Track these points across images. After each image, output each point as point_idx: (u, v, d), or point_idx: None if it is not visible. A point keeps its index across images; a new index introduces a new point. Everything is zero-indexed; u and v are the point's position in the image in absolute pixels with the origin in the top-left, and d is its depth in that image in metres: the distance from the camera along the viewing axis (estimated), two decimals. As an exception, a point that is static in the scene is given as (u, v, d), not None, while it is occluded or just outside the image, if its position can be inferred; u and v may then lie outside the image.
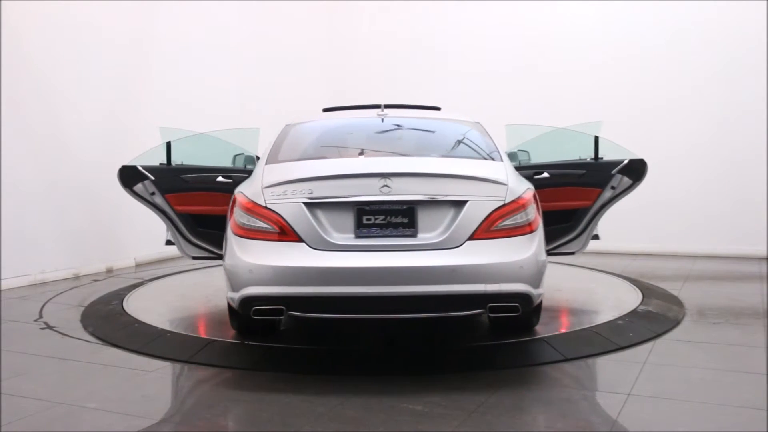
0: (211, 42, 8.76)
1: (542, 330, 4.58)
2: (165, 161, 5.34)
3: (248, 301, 3.67)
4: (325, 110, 5.28)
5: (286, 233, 3.66)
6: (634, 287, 5.96)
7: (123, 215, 7.36)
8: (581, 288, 6.20)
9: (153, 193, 5.21)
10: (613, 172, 4.93)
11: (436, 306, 3.66)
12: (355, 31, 10.24)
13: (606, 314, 4.94)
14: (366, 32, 10.17)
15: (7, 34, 6.46)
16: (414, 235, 3.65)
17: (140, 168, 5.25)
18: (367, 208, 3.67)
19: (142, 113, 7.73)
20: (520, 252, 3.64)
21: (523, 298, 3.64)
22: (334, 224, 3.69)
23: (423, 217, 3.66)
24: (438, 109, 5.29)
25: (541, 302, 4.22)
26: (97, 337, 4.64)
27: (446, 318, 3.72)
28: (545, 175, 4.98)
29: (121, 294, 5.88)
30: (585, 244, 5.09)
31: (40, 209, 6.78)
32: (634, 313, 5.00)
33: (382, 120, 4.70)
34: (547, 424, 3.13)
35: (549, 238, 5.00)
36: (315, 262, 3.58)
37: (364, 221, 3.66)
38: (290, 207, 3.68)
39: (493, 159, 4.18)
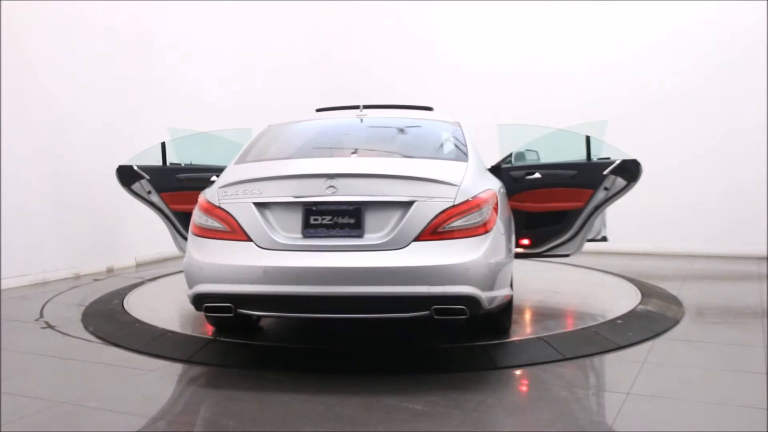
0: (211, 43, 8.78)
1: (542, 329, 4.59)
2: (169, 161, 5.45)
3: (199, 298, 3.73)
4: (318, 110, 5.31)
5: (236, 232, 3.72)
6: (634, 287, 5.97)
7: (123, 215, 7.37)
8: (580, 287, 6.21)
9: (149, 192, 5.34)
10: (605, 172, 4.84)
11: (380, 307, 3.63)
12: (354, 31, 10.25)
13: (605, 314, 4.95)
14: (366, 33, 10.18)
15: (7, 34, 6.46)
16: (360, 236, 3.63)
17: (135, 168, 5.35)
18: (314, 208, 3.69)
19: (143, 113, 7.75)
20: (467, 254, 3.55)
21: (470, 301, 3.54)
22: (283, 224, 3.72)
23: (370, 217, 3.65)
24: (429, 109, 5.26)
25: (509, 304, 4.16)
26: (98, 337, 4.65)
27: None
28: (537, 175, 4.94)
29: (121, 293, 5.89)
30: (580, 246, 5.03)
31: (40, 209, 6.78)
32: (633, 312, 5.01)
33: (361, 120, 4.74)
34: (547, 424, 3.14)
35: (541, 239, 5.01)
36: (260, 261, 3.62)
37: (312, 221, 3.68)
38: (241, 207, 3.74)
39: (458, 159, 4.12)
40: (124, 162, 5.54)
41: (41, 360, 4.21)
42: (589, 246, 5.66)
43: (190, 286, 3.79)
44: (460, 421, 3.17)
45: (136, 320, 4.91)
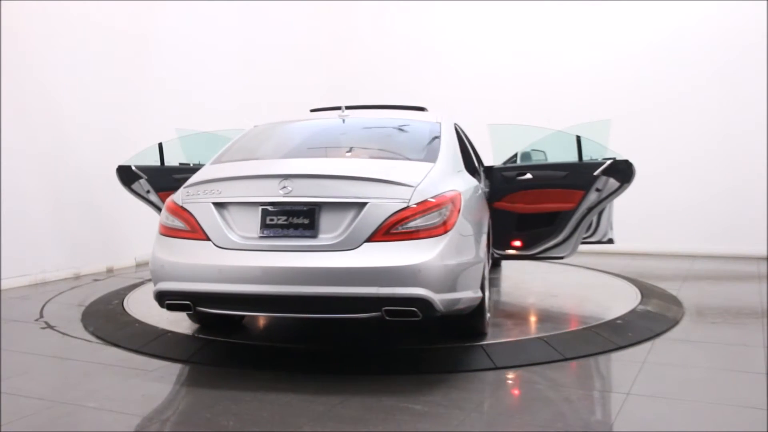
0: (211, 43, 8.77)
1: (542, 330, 4.59)
2: (170, 161, 5.52)
3: (161, 295, 3.81)
4: (313, 111, 5.34)
5: (196, 232, 3.79)
6: (634, 287, 5.97)
7: (123, 215, 7.37)
8: (580, 288, 6.21)
9: (148, 191, 5.40)
10: (596, 173, 4.77)
11: (331, 307, 3.63)
12: (355, 31, 10.26)
13: (605, 314, 4.94)
14: (366, 33, 10.18)
15: (7, 34, 6.46)
16: (314, 236, 3.64)
17: (134, 168, 5.41)
18: (271, 208, 3.72)
19: (143, 113, 7.75)
20: (419, 255, 3.49)
21: (422, 303, 3.49)
22: (241, 224, 3.76)
23: (324, 218, 3.65)
24: (422, 109, 5.25)
25: (480, 307, 4.08)
26: (98, 337, 4.65)
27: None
28: (528, 176, 4.92)
29: (121, 294, 5.89)
30: (574, 249, 4.97)
31: (40, 209, 6.78)
32: (633, 312, 5.01)
33: (344, 121, 4.77)
34: (547, 424, 3.14)
35: (534, 241, 4.97)
36: (216, 260, 3.67)
37: (268, 222, 3.71)
38: (201, 207, 3.82)
39: (426, 160, 4.07)
40: (124, 161, 5.59)
41: (41, 360, 4.21)
42: (589, 246, 5.67)
43: (154, 284, 3.87)
44: (460, 421, 3.17)
45: (136, 320, 4.91)
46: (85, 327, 4.92)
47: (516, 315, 5.08)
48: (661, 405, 3.35)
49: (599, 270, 6.93)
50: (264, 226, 3.71)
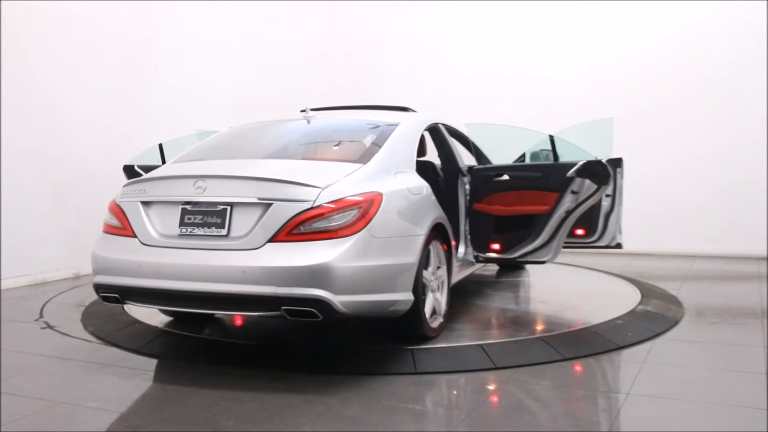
0: (212, 42, 8.77)
1: (541, 330, 4.59)
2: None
3: (96, 288, 4.06)
4: (302, 111, 5.35)
5: (126, 229, 4.02)
6: (633, 287, 5.97)
7: (123, 215, 7.36)
8: (580, 288, 6.22)
9: None
10: (569, 174, 4.60)
11: (234, 305, 3.73)
12: (355, 31, 10.25)
13: (605, 314, 4.93)
14: (367, 32, 10.17)
15: (7, 34, 6.46)
16: (226, 236, 3.74)
17: (136, 167, 5.47)
18: (189, 207, 3.85)
19: (142, 113, 7.75)
20: (319, 256, 3.52)
21: (320, 303, 3.51)
22: (164, 222, 3.92)
23: (236, 218, 3.75)
24: (406, 109, 5.27)
25: (415, 309, 4.03)
26: (98, 337, 4.65)
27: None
28: (505, 177, 4.85)
29: (121, 294, 5.88)
30: (556, 253, 4.82)
31: (40, 209, 6.78)
32: (633, 312, 5.01)
33: (308, 122, 4.88)
34: (547, 424, 3.14)
35: (512, 244, 4.86)
36: (137, 257, 3.86)
37: (186, 220, 3.84)
38: (132, 205, 4.03)
39: (357, 161, 4.10)
40: (128, 161, 5.65)
41: (41, 360, 4.21)
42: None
43: (93, 277, 4.10)
44: (460, 421, 3.17)
45: (136, 320, 4.91)
46: (85, 327, 4.92)
47: (516, 315, 5.07)
48: (661, 405, 3.35)
49: (599, 270, 6.93)
50: (182, 224, 3.85)
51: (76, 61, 7.15)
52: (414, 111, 5.40)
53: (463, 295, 5.57)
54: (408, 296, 3.95)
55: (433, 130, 5.12)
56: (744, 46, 8.04)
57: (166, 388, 3.66)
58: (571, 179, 4.61)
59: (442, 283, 4.47)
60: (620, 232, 5.36)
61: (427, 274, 4.21)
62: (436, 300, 4.36)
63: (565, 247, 6.31)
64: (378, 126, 4.65)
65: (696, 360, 4.18)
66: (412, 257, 3.99)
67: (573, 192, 4.63)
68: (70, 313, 5.35)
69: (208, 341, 4.45)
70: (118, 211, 4.09)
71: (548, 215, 4.70)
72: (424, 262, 4.16)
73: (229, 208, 3.77)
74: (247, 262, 3.59)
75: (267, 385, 3.63)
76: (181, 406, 3.35)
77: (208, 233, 3.77)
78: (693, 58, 8.33)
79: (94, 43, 7.32)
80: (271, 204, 3.67)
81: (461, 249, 5.12)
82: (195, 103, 8.28)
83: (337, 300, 3.53)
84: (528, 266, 6.81)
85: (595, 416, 3.32)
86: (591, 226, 5.33)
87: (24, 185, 6.62)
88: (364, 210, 3.72)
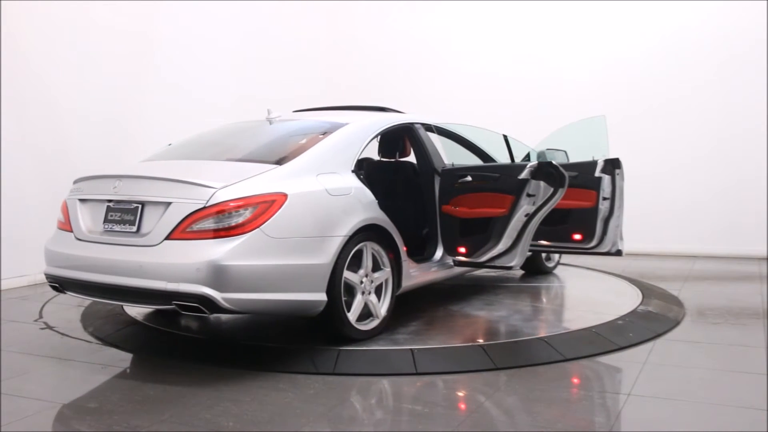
0: (212, 42, 8.76)
1: (542, 330, 4.58)
2: None
3: (46, 278, 4.34)
4: (295, 111, 5.43)
5: (66, 224, 4.34)
6: (634, 287, 5.95)
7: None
8: (581, 288, 6.21)
9: None
10: (520, 177, 4.49)
11: (136, 298, 3.92)
12: (355, 30, 10.24)
13: (606, 314, 4.92)
14: (367, 31, 10.16)
15: (7, 33, 6.45)
16: (135, 232, 3.95)
17: None
18: (112, 205, 4.11)
19: (142, 113, 7.73)
20: (204, 254, 3.64)
21: (204, 300, 3.62)
22: (93, 219, 4.20)
23: (145, 216, 3.95)
24: (383, 109, 5.27)
25: (333, 309, 4.04)
26: (97, 337, 4.64)
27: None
28: (468, 178, 4.79)
29: (121, 294, 5.87)
30: (521, 258, 4.64)
31: (40, 209, 6.77)
32: (634, 313, 5.00)
33: (271, 123, 5.00)
34: (547, 424, 3.13)
35: (475, 248, 4.75)
36: (70, 250, 4.18)
37: (108, 217, 4.11)
38: (72, 202, 4.34)
39: (276, 162, 4.16)
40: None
41: (40, 360, 4.20)
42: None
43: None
44: (460, 421, 3.17)
45: (135, 321, 4.90)
46: (85, 327, 4.91)
47: (516, 315, 5.06)
48: (662, 406, 3.35)
49: (599, 270, 6.92)
50: (106, 221, 4.11)
51: (76, 61, 7.13)
52: (394, 111, 5.36)
53: (451, 298, 5.55)
54: (320, 297, 3.98)
55: (408, 130, 5.11)
56: (744, 46, 8.03)
57: (166, 388, 3.66)
58: (525, 182, 4.50)
59: (385, 285, 4.44)
60: (621, 238, 5.25)
61: (352, 275, 4.19)
62: (371, 302, 4.32)
63: (564, 253, 6.29)
64: (325, 127, 4.68)
65: (697, 360, 4.17)
66: (324, 258, 4.00)
67: (529, 195, 4.51)
68: (69, 314, 5.35)
69: (208, 342, 4.44)
70: (64, 207, 4.41)
71: (507, 218, 4.58)
72: (347, 263, 4.13)
73: (140, 206, 3.98)
74: (145, 257, 3.80)
75: (267, 386, 3.63)
76: (181, 407, 3.35)
77: (123, 230, 4.01)
78: (693, 58, 8.32)
79: (95, 43, 7.31)
80: (170, 203, 3.84)
81: (438, 252, 5.06)
82: (195, 101, 8.26)
83: (221, 297, 3.62)
84: (556, 272, 6.68)
85: (596, 417, 3.32)
86: (588, 231, 5.22)
87: (24, 185, 6.61)
88: (260, 210, 3.81)
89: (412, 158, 5.42)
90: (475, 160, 5.54)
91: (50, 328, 4.98)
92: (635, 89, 8.55)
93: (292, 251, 3.89)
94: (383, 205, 4.49)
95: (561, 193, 4.50)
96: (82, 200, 4.29)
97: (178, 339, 4.56)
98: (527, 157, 5.55)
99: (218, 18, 8.87)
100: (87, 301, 5.68)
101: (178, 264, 3.68)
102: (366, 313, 4.32)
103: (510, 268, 4.72)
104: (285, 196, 3.91)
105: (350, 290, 4.22)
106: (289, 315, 4.09)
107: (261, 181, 3.95)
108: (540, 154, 5.12)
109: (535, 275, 6.48)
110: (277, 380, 3.71)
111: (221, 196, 3.76)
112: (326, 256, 4.01)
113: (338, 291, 4.07)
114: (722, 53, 8.18)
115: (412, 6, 9.84)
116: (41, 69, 6.82)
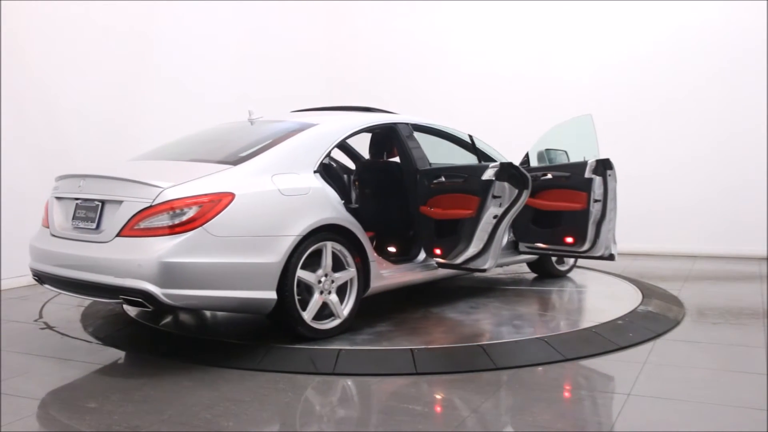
0: (212, 41, 8.75)
1: (542, 330, 4.58)
2: None
3: (30, 271, 4.51)
4: (293, 112, 5.42)
5: (46, 220, 4.53)
6: (634, 287, 5.95)
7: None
8: (581, 288, 6.20)
9: None
10: (483, 178, 4.48)
11: (93, 292, 4.08)
12: (355, 29, 10.24)
13: (606, 314, 4.92)
14: (367, 31, 10.16)
15: (7, 33, 6.45)
16: (95, 229, 4.10)
17: None
18: (80, 203, 4.27)
19: (142, 113, 7.73)
20: (146, 251, 3.77)
21: (145, 295, 3.74)
22: (65, 216, 4.35)
23: (105, 214, 4.10)
24: (368, 109, 5.27)
25: (288, 309, 4.10)
26: (97, 337, 4.64)
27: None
28: (442, 179, 4.78)
29: (121, 294, 5.87)
30: (494, 260, 4.61)
31: (40, 209, 6.75)
32: (634, 313, 4.99)
33: (252, 123, 5.08)
34: (547, 424, 3.13)
35: (448, 249, 4.72)
36: (42, 245, 4.38)
37: (76, 215, 4.27)
38: (51, 200, 4.52)
39: (234, 162, 4.22)
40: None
41: (40, 360, 4.20)
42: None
43: None
44: (460, 421, 3.17)
45: (136, 321, 4.90)
46: (85, 328, 4.91)
47: (515, 315, 5.06)
48: (662, 405, 3.35)
49: (599, 270, 6.92)
50: (74, 218, 4.27)
51: (76, 61, 7.13)
52: (381, 111, 5.35)
53: (441, 300, 5.55)
54: (269, 295, 4.03)
55: (392, 130, 5.11)
56: (744, 46, 8.03)
57: (166, 388, 3.66)
58: (490, 183, 4.48)
59: (350, 285, 4.44)
60: (614, 242, 5.22)
61: (308, 275, 4.21)
62: (331, 302, 4.33)
63: (556, 256, 6.26)
64: (294, 128, 4.69)
65: (697, 360, 4.17)
66: (274, 257, 4.03)
67: (494, 196, 4.49)
68: (69, 314, 5.35)
69: (207, 342, 4.44)
70: (46, 205, 4.58)
71: (475, 220, 4.55)
72: (301, 263, 4.16)
73: (101, 204, 4.12)
74: (98, 253, 3.95)
75: (267, 385, 3.63)
76: (181, 407, 3.35)
77: (86, 227, 4.16)
78: (693, 58, 8.31)
79: (95, 43, 7.31)
80: (122, 201, 3.98)
81: (422, 253, 5.04)
82: (195, 100, 8.26)
83: (162, 293, 3.73)
84: (571, 275, 6.58)
85: (596, 417, 3.32)
86: (580, 234, 5.20)
87: (24, 185, 6.61)
88: (205, 209, 3.87)
89: None
90: (474, 161, 5.53)
91: (50, 328, 4.98)
92: (635, 89, 8.54)
93: (238, 250, 3.95)
94: (371, 207, 4.50)
95: (526, 194, 4.50)
96: (57, 198, 4.45)
97: (178, 339, 4.56)
98: (527, 158, 5.54)
99: (218, 18, 8.87)
100: (87, 300, 5.69)
101: (123, 260, 3.82)
102: (328, 313, 4.34)
103: (484, 270, 4.71)
104: (232, 195, 3.97)
105: (311, 289, 4.26)
106: (238, 312, 4.20)
107: (210, 181, 4.02)
108: (540, 155, 5.10)
109: (546, 279, 6.38)
110: (277, 380, 3.71)
111: (167, 195, 3.87)
112: (276, 255, 4.04)
113: (291, 290, 4.11)
114: (723, 54, 8.18)
115: (413, 6, 9.84)
116: (41, 68, 6.82)
